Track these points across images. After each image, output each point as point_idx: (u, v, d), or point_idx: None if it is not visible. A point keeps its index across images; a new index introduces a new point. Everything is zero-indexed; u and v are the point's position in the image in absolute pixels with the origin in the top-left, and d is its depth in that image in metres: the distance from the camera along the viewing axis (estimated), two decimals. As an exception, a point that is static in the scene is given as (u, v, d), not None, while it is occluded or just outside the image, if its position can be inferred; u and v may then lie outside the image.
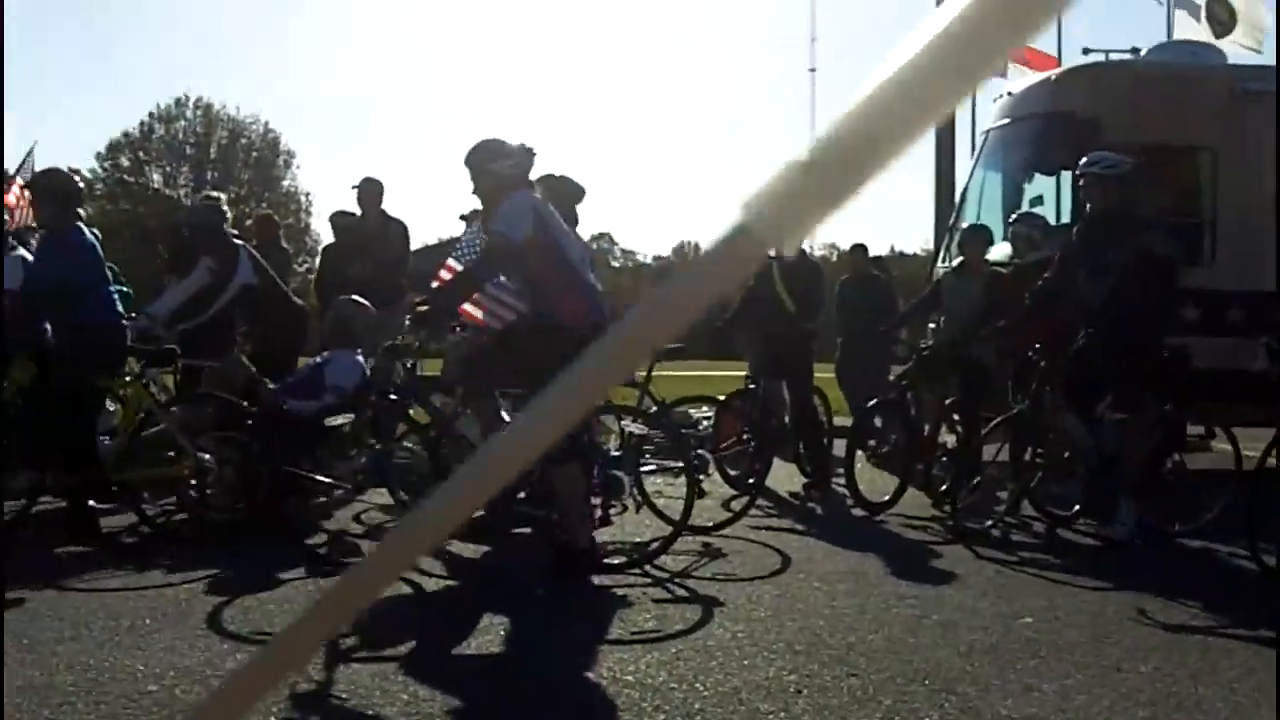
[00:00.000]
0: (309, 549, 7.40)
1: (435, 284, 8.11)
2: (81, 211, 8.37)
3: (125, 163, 66.15)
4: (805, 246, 11.38)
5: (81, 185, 8.96)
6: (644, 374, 8.54)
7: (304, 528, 8.02)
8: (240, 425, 8.24)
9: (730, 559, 7.30)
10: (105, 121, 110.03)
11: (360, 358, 8.86)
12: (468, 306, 7.63)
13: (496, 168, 6.94)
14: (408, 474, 8.77)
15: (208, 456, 7.92)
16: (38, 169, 10.47)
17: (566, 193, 8.43)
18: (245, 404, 8.48)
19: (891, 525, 8.71)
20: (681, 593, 6.43)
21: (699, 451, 8.56)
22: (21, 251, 9.19)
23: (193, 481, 8.00)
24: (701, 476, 8.31)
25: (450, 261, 8.53)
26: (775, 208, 0.69)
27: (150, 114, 66.03)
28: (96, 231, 8.58)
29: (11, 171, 11.25)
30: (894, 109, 0.66)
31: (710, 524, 8.03)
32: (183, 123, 66.15)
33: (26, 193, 9.22)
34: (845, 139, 0.67)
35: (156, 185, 64.39)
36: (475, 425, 7.69)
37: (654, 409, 8.74)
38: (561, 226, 7.07)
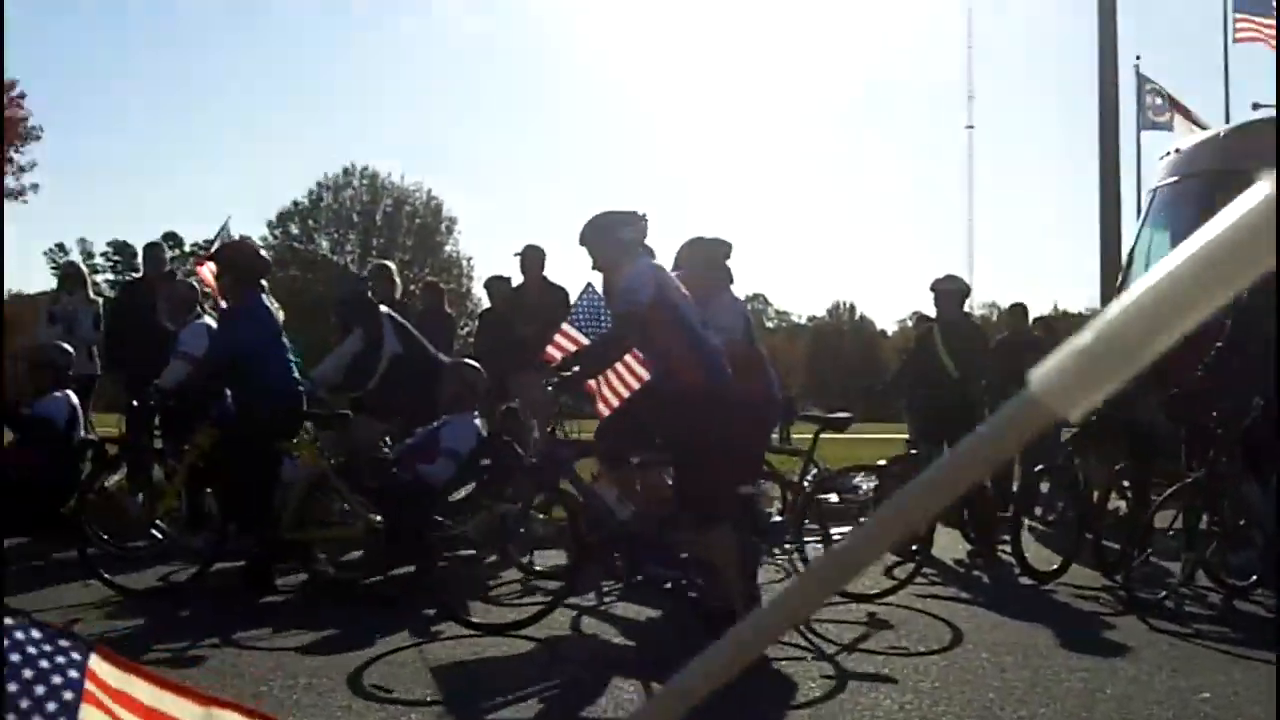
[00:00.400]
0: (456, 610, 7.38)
1: (553, 349, 8.38)
2: (264, 282, 8.67)
3: (295, 230, 68.15)
4: (966, 307, 11.24)
5: (266, 256, 9.32)
6: (810, 442, 8.52)
7: (455, 589, 8.09)
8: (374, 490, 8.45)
9: (895, 628, 7.22)
10: (277, 191, 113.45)
11: (477, 420, 9.02)
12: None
13: (619, 237, 7.05)
14: (535, 540, 8.93)
15: (378, 518, 8.09)
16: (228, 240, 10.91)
17: (715, 253, 8.43)
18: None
19: (1060, 595, 8.51)
20: (848, 662, 6.37)
21: (862, 519, 8.50)
22: (208, 319, 9.55)
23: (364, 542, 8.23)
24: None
25: (566, 327, 8.68)
26: (1061, 382, 0.76)
27: (318, 183, 68.07)
28: (274, 302, 8.88)
29: (213, 245, 11.70)
30: (1169, 300, 0.73)
31: (875, 591, 7.94)
32: (349, 191, 68.05)
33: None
34: (1125, 325, 0.75)
35: (324, 252, 66.12)
36: (612, 492, 7.68)
37: (819, 476, 8.73)
38: (680, 291, 7.09)
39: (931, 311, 10.81)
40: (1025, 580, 8.92)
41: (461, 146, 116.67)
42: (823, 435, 9.76)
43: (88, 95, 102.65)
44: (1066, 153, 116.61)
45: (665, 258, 7.77)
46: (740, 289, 9.52)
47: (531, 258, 12.04)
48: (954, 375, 9.94)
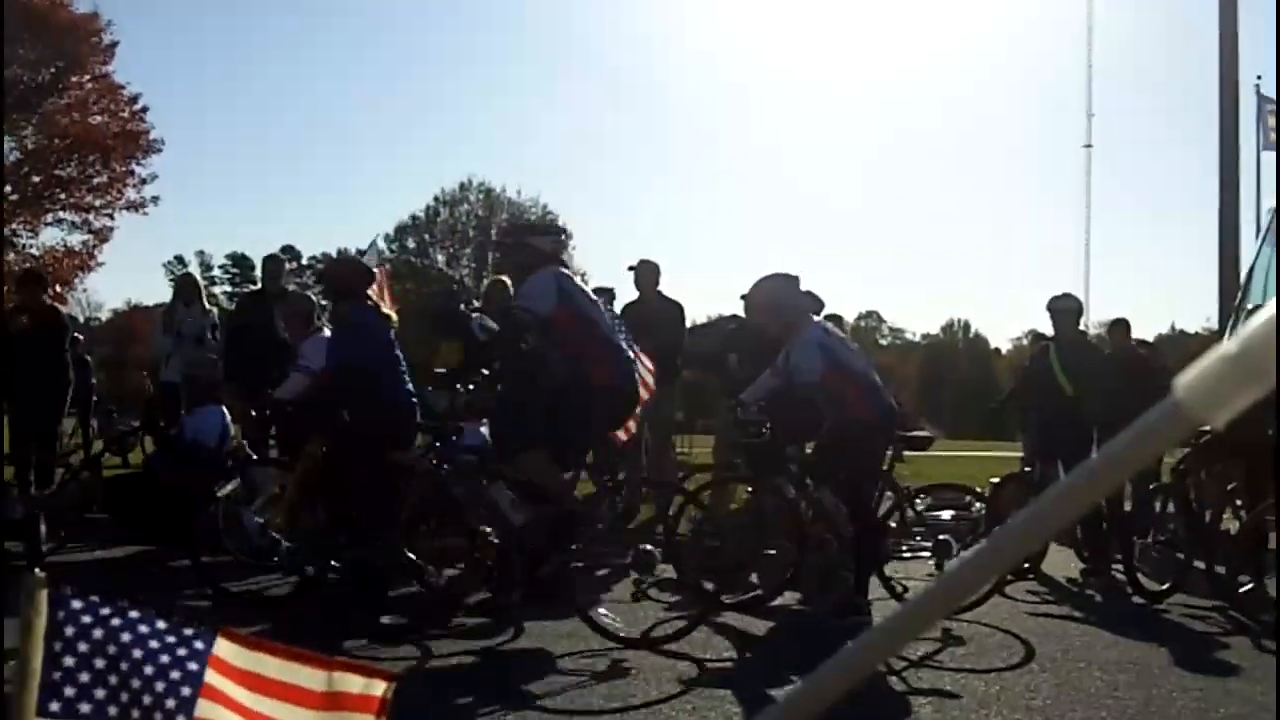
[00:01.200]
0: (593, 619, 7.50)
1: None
2: (371, 294, 8.84)
3: (411, 244, 68.95)
4: (1082, 326, 11.17)
5: (370, 269, 9.49)
6: (887, 464, 8.49)
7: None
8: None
9: (1007, 645, 7.21)
10: (395, 205, 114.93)
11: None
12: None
13: (533, 243, 7.45)
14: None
15: (489, 530, 8.21)
16: (380, 256, 11.20)
17: (779, 294, 8.49)
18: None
19: (1173, 614, 8.44)
20: (973, 679, 6.37)
21: (942, 537, 8.50)
22: (327, 332, 9.78)
23: (476, 555, 8.33)
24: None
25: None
26: (1206, 389, 0.80)
27: (435, 197, 68.80)
28: (391, 313, 9.04)
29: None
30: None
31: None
32: (466, 206, 68.66)
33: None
34: (1271, 334, 0.79)
35: (440, 266, 66.82)
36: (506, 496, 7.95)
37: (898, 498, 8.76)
38: (588, 296, 7.91)
39: (1048, 330, 10.76)
40: (1138, 599, 8.86)
41: (577, 160, 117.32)
42: (932, 454, 9.72)
43: (208, 109, 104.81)
44: (1184, 172, 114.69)
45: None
46: (854, 306, 9.73)
47: (646, 272, 12.11)
48: (1070, 394, 9.88)
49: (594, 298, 8.11)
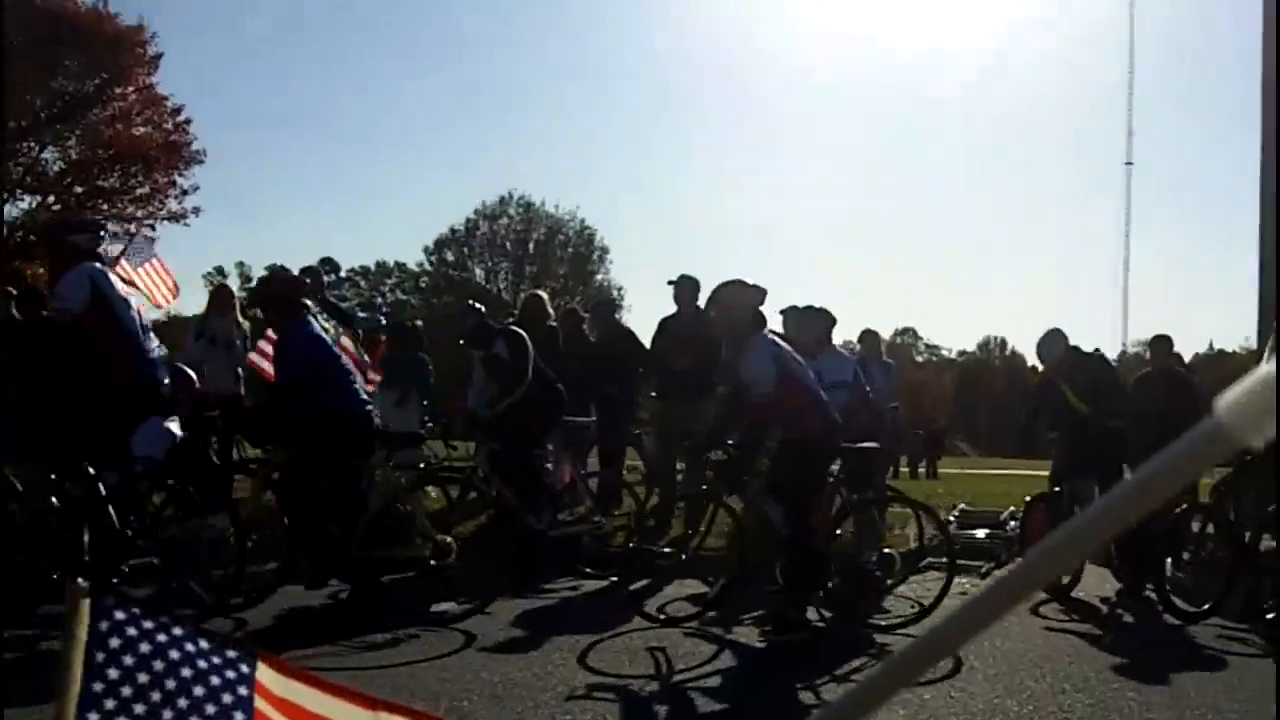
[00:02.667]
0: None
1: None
2: (308, 305, 9.07)
3: (450, 257, 69.22)
4: (1099, 347, 11.27)
5: (304, 280, 9.57)
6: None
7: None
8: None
9: (1040, 665, 7.20)
10: (434, 218, 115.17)
11: None
12: None
13: (73, 240, 8.29)
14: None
15: (449, 539, 8.38)
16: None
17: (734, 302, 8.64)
18: None
19: (1208, 635, 8.38)
20: (1006, 699, 6.37)
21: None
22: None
23: (433, 561, 8.43)
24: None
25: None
26: (1246, 410, 0.81)
27: (475, 211, 69.03)
28: (326, 324, 9.14)
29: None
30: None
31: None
32: (505, 220, 68.88)
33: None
34: None
35: (479, 279, 67.01)
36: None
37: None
38: (123, 300, 8.30)
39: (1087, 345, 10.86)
40: (1171, 620, 8.81)
41: (616, 174, 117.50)
42: (968, 472, 9.76)
43: (250, 122, 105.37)
44: (1225, 190, 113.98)
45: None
46: (890, 322, 9.90)
47: (686, 287, 12.13)
48: (1087, 413, 9.90)
49: (128, 299, 8.45)
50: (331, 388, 8.52)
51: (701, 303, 12.18)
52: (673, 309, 12.30)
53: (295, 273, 13.23)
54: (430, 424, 12.93)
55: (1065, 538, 0.93)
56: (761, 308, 8.72)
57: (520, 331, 10.44)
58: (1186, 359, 13.91)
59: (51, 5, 35.13)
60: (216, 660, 1.89)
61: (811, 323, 10.32)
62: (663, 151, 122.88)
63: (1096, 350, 12.05)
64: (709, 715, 5.89)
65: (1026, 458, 21.53)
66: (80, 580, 1.78)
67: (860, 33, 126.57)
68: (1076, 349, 10.69)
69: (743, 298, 8.43)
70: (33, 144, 38.43)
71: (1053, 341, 10.70)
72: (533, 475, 10.04)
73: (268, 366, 9.34)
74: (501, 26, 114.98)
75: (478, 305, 10.94)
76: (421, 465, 10.97)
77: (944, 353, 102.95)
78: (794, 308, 10.39)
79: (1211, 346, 76.18)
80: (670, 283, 12.24)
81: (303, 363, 8.50)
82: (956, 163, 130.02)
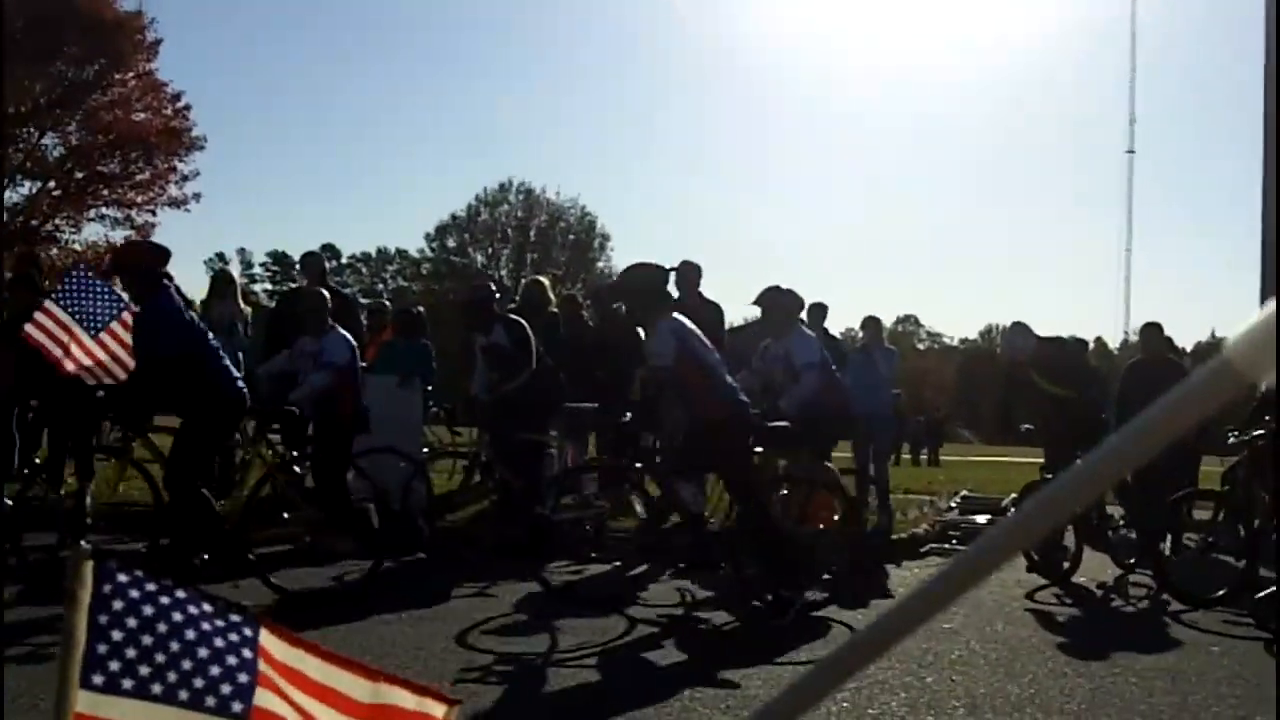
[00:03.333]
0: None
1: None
2: (170, 275, 8.74)
3: (451, 244, 69.25)
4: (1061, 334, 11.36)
5: (165, 248, 9.24)
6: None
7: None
8: None
9: (1041, 650, 7.20)
10: (435, 204, 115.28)
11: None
12: None
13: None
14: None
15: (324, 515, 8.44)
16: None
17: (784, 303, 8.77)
18: None
19: (1211, 621, 8.36)
20: (1008, 684, 6.37)
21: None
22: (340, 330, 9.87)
23: (307, 538, 8.45)
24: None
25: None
26: (1254, 347, 0.81)
27: (476, 197, 69.06)
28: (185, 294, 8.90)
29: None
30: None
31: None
32: (506, 206, 68.90)
33: None
34: None
35: (480, 266, 67.04)
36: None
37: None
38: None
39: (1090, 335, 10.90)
40: (1174, 605, 8.80)
41: (616, 161, 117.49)
42: (968, 459, 9.83)
43: (250, 107, 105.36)
44: (1227, 178, 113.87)
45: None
46: (892, 310, 10.00)
47: (687, 273, 12.11)
48: (1063, 394, 10.02)
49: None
50: (205, 361, 8.31)
51: (704, 289, 12.23)
52: (675, 295, 12.29)
53: (300, 259, 13.28)
54: (434, 409, 12.94)
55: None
56: (667, 287, 8.97)
57: (520, 320, 10.44)
58: (1189, 347, 13.94)
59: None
60: (220, 623, 1.90)
61: (777, 302, 10.39)
62: (665, 138, 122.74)
63: (1072, 336, 12.15)
64: (720, 696, 5.88)
65: (1029, 445, 21.53)
66: (83, 544, 1.78)
67: (863, 23, 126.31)
68: (1046, 338, 10.81)
69: (647, 279, 8.58)
70: (33, 130, 38.39)
71: (1022, 334, 10.86)
72: (534, 460, 10.06)
73: (115, 346, 8.88)
74: (503, 11, 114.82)
75: (493, 286, 10.93)
76: (425, 450, 10.99)
77: (946, 340, 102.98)
78: (773, 288, 10.43)
79: (1213, 334, 76.04)
80: (671, 269, 12.20)
81: (172, 337, 8.25)
82: (958, 151, 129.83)
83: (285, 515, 8.84)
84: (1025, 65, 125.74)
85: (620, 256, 66.83)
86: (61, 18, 35.11)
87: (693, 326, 8.52)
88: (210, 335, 8.66)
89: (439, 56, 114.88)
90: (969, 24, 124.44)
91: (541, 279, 13.11)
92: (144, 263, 8.74)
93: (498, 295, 10.69)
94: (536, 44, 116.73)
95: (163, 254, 8.97)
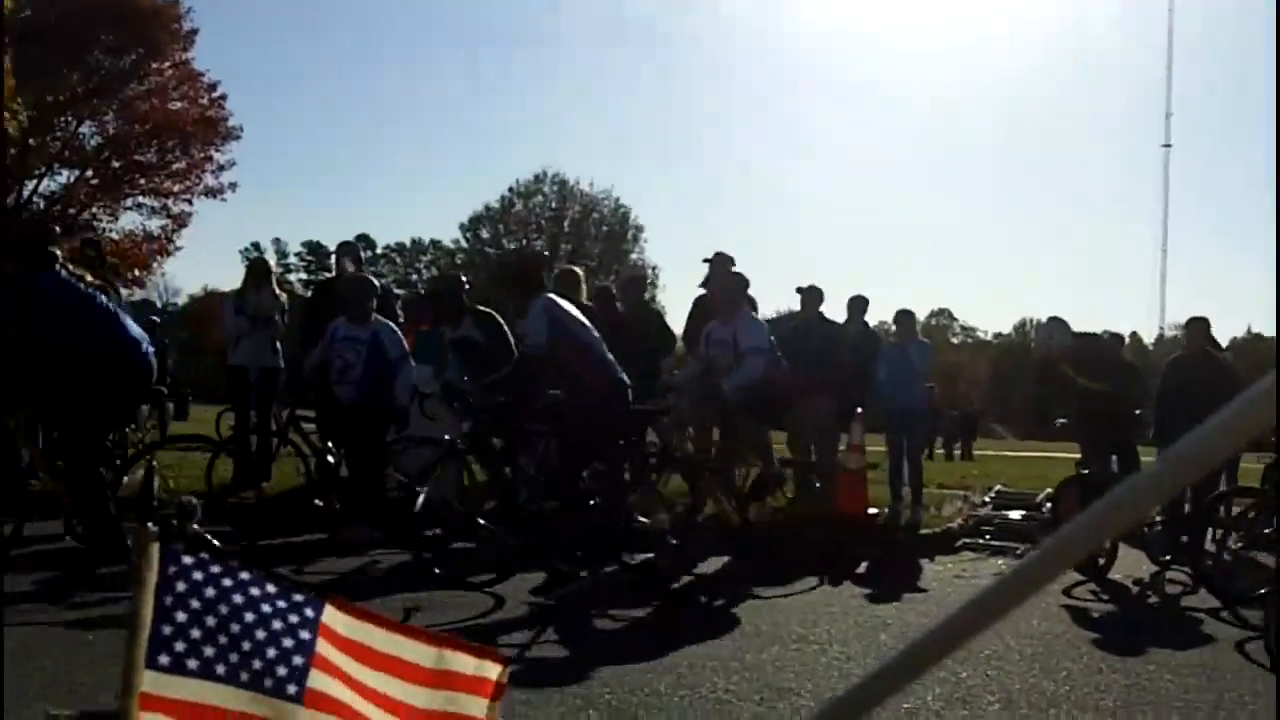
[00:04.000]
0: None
1: None
2: (57, 254, 8.20)
3: (485, 235, 69.37)
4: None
5: (52, 227, 9.01)
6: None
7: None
8: None
9: (1076, 645, 7.16)
10: (470, 194, 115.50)
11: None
12: None
13: None
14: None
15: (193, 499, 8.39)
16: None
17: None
18: None
19: (1248, 619, 8.29)
20: (1043, 679, 6.34)
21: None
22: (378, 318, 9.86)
23: (174, 522, 8.43)
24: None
25: None
26: None
27: (510, 188, 69.15)
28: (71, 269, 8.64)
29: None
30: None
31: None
32: (540, 197, 68.98)
33: None
34: None
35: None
36: None
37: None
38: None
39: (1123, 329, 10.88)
40: (1211, 602, 8.73)
41: (650, 152, 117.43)
42: (1003, 454, 9.83)
43: (286, 97, 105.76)
44: (1265, 172, 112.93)
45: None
46: (926, 304, 10.04)
47: (721, 264, 12.08)
48: (1100, 389, 10.01)
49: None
50: (102, 334, 7.97)
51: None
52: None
53: (335, 248, 13.30)
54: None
55: (1115, 503, 0.91)
56: (542, 273, 9.43)
57: (492, 312, 10.36)
58: (1224, 343, 13.80)
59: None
60: (282, 604, 1.95)
61: (724, 281, 10.79)
62: (700, 130, 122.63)
63: (1105, 332, 12.12)
64: (735, 692, 5.87)
65: (1064, 440, 21.42)
66: (150, 525, 1.80)
67: (899, 14, 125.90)
68: (1081, 334, 10.80)
69: (522, 262, 8.93)
70: (70, 119, 38.66)
71: (1058, 328, 10.83)
72: (510, 457, 9.75)
73: None
74: (539, 3, 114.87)
75: (463, 278, 10.89)
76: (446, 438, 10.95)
77: (980, 335, 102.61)
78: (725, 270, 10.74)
79: (1249, 330, 75.59)
80: (705, 260, 12.19)
81: (62, 314, 7.93)
82: (993, 144, 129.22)
83: (317, 503, 8.88)
84: (1061, 58, 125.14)
85: (654, 248, 67.02)
86: (98, 7, 35.33)
87: (569, 306, 8.76)
88: (107, 303, 8.20)
89: (474, 46, 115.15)
90: (1004, 15, 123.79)
91: (574, 267, 13.07)
92: (32, 236, 8.47)
93: (468, 286, 10.54)
94: (571, 34, 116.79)
95: (49, 231, 8.99)
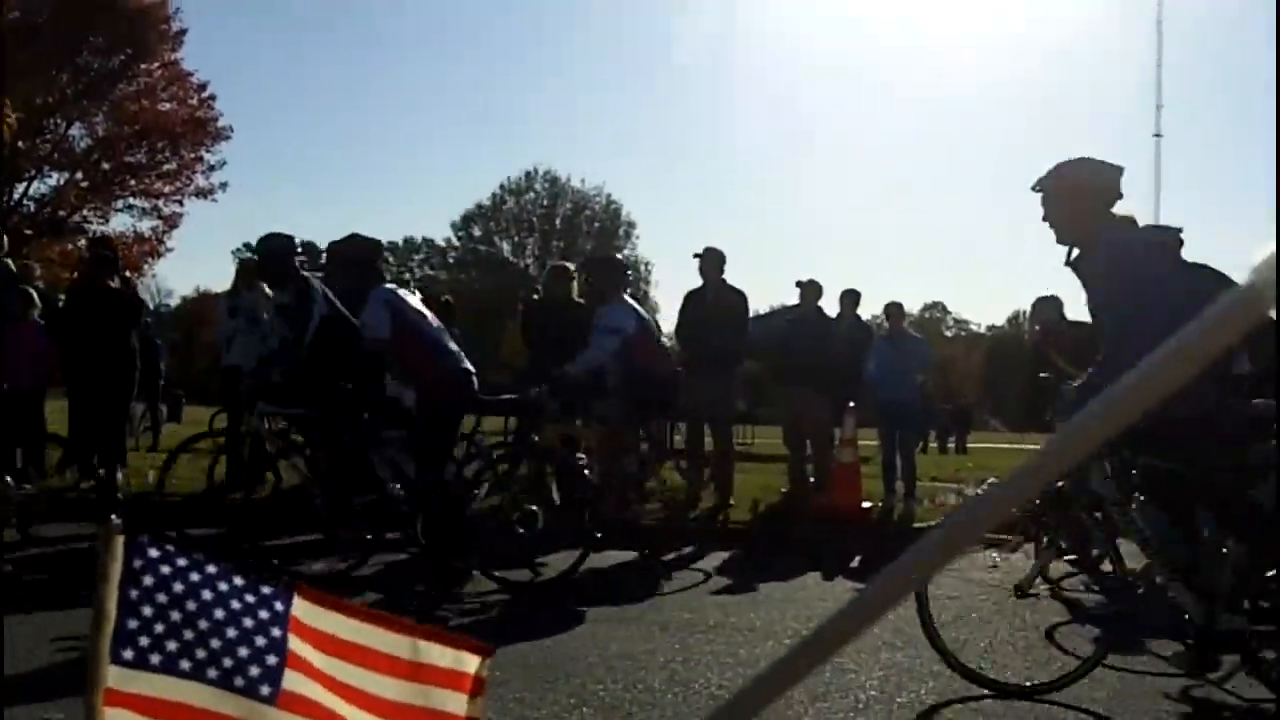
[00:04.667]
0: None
1: None
2: None
3: (478, 233, 69.36)
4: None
5: None
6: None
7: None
8: None
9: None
10: (460, 192, 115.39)
11: None
12: None
13: None
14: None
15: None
16: None
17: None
18: None
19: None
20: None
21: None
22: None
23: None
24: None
25: None
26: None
27: (501, 185, 69.16)
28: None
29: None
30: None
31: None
32: (531, 195, 68.99)
33: None
34: None
35: (506, 254, 67.13)
36: None
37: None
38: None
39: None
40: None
41: (640, 149, 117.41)
42: (996, 446, 9.81)
43: (275, 96, 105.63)
44: (1254, 163, 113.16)
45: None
46: (918, 297, 10.02)
47: (711, 259, 12.08)
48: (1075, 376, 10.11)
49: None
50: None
51: (728, 276, 12.19)
52: (699, 282, 12.29)
53: (326, 247, 13.25)
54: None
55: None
56: (379, 259, 9.39)
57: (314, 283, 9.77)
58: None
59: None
60: (250, 599, 1.90)
61: (594, 267, 11.07)
62: (690, 125, 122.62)
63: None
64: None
65: (1052, 432, 21.52)
66: (114, 518, 1.78)
67: (889, 7, 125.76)
68: (1073, 321, 10.79)
69: (359, 250, 9.11)
70: (59, 120, 38.63)
71: (1049, 305, 10.93)
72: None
73: None
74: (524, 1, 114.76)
75: (295, 239, 10.51)
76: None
77: (973, 328, 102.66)
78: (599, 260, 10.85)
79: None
80: (695, 255, 12.19)
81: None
82: (984, 136, 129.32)
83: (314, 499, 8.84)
84: (1051, 50, 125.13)
85: (645, 244, 66.96)
86: (86, 7, 35.29)
87: (406, 294, 8.76)
88: None
89: (463, 45, 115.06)
90: (994, 8, 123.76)
91: (566, 264, 13.06)
92: None
93: (299, 251, 10.25)
94: (560, 31, 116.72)
95: None
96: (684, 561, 9.36)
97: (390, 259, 76.37)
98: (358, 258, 8.78)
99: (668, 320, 13.87)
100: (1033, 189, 6.14)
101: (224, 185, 40.28)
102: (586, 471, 9.20)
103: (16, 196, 37.42)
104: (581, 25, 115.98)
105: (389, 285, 8.53)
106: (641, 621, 7.29)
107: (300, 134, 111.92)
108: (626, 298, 10.21)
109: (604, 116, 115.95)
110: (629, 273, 11.12)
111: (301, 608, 1.91)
